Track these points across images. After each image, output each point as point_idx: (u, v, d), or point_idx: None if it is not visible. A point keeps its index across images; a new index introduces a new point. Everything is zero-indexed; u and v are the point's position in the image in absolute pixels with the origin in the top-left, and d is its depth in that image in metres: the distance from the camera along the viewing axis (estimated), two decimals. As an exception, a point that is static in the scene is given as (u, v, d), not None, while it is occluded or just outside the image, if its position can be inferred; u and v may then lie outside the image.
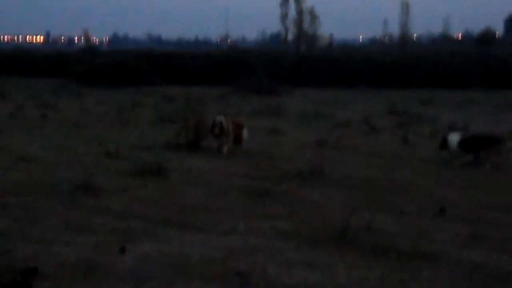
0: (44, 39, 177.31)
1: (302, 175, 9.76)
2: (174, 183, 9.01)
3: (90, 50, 57.82)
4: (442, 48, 62.06)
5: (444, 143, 12.44)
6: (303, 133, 16.68)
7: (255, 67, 39.96)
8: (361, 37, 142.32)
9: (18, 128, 15.11)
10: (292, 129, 17.59)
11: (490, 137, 12.63)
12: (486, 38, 59.95)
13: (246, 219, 6.90)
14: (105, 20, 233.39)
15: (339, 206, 7.82)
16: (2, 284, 4.54)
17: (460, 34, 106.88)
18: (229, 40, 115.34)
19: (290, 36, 78.37)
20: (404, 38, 76.46)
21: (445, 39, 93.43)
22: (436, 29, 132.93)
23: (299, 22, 77.09)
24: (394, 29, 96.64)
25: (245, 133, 13.10)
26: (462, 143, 12.19)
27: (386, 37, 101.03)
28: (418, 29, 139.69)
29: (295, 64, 44.74)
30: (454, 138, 12.36)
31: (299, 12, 77.06)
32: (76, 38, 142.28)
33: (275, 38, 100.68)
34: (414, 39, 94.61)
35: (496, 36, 75.95)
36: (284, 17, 77.35)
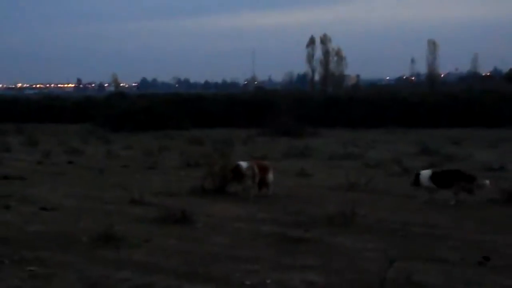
0: (75, 85, 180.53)
1: (333, 221, 9.29)
2: (198, 231, 8.62)
3: (118, 95, 58.50)
4: (470, 86, 61.38)
5: (417, 180, 12.40)
6: (332, 175, 16.21)
7: (282, 108, 39.71)
8: (387, 77, 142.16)
9: (44, 175, 14.93)
10: (321, 171, 17.14)
11: (459, 172, 12.52)
12: (515, 75, 59.17)
13: (274, 271, 6.45)
14: (134, 65, 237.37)
15: (375, 254, 7.32)
16: None
17: (489, 72, 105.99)
18: (256, 82, 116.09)
19: (316, 77, 78.55)
20: (432, 76, 76.03)
21: (474, 76, 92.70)
22: (464, 67, 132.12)
23: (325, 63, 77.33)
24: (421, 68, 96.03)
25: (270, 176, 12.61)
26: (433, 178, 12.20)
27: (413, 76, 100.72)
28: (445, 67, 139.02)
29: (322, 105, 44.48)
30: (425, 174, 12.37)
31: (326, 53, 77.37)
32: (106, 84, 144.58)
33: (302, 79, 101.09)
34: (442, 77, 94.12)
35: (526, 73, 75.01)
36: (310, 58, 77.71)
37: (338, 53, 79.51)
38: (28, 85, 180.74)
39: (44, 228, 8.32)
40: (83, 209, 10.05)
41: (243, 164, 12.34)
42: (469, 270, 6.79)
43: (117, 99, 52.11)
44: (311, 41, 77.82)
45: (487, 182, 12.17)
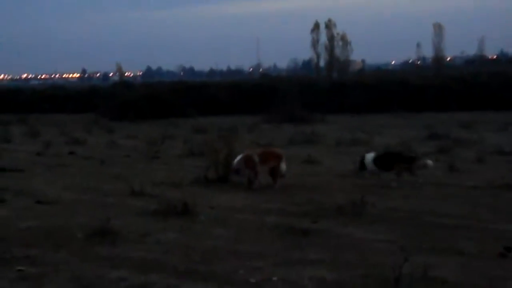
0: (80, 75, 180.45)
1: (342, 210, 8.84)
2: (201, 223, 8.18)
3: (122, 84, 58.03)
4: (477, 69, 60.64)
5: (362, 163, 12.44)
6: (340, 161, 15.75)
7: (287, 95, 39.21)
8: (393, 61, 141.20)
9: (43, 167, 14.50)
10: (328, 157, 16.68)
11: (399, 154, 12.72)
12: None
13: (280, 267, 6.02)
14: (138, 54, 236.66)
15: (387, 246, 6.89)
16: None
17: (495, 55, 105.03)
18: (260, 69, 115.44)
19: (322, 63, 77.80)
20: (438, 60, 75.23)
21: (480, 60, 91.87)
22: (470, 50, 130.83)
23: (330, 48, 76.56)
24: (427, 52, 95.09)
25: (283, 166, 11.86)
26: (375, 161, 12.23)
27: (419, 60, 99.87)
28: (452, 51, 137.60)
29: (328, 91, 43.94)
30: (369, 157, 12.40)
31: (331, 38, 76.57)
32: (111, 73, 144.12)
33: (307, 65, 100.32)
34: (448, 60, 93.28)
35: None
36: (315, 43, 76.82)
37: (343, 38, 78.57)
38: (33, 76, 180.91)
39: (38, 223, 7.90)
40: (81, 202, 9.63)
41: (237, 158, 11.72)
42: (489, 263, 6.33)
43: (121, 88, 51.66)
44: (316, 27, 76.86)
45: (430, 162, 12.39)
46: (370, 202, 9.16)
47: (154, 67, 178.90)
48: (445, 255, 6.55)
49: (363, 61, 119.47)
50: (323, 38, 77.06)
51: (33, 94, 56.04)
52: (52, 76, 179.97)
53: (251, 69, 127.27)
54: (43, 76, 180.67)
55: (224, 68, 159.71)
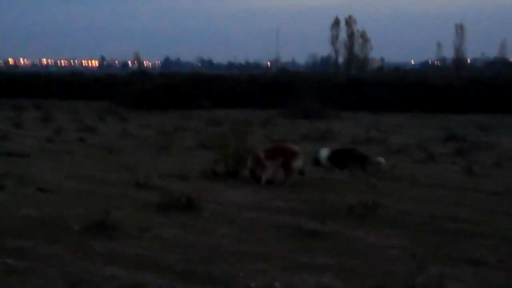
0: (99, 63, 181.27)
1: (353, 211, 8.43)
2: (205, 220, 7.80)
3: (140, 74, 57.89)
4: (498, 71, 59.74)
5: (317, 159, 12.43)
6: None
7: (304, 90, 38.80)
8: (412, 61, 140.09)
9: (50, 153, 14.22)
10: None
11: (352, 151, 12.69)
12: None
13: (285, 271, 5.64)
14: (158, 44, 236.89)
15: (399, 253, 6.47)
16: None
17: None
18: (279, 63, 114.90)
19: (340, 59, 77.23)
20: (458, 61, 74.39)
21: (501, 62, 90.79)
22: (491, 52, 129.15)
23: (350, 45, 75.97)
24: (447, 53, 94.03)
25: (298, 161, 11.40)
26: (330, 157, 12.28)
27: (439, 61, 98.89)
28: (472, 52, 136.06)
29: (345, 87, 43.44)
30: (323, 153, 12.41)
31: (350, 35, 76.01)
32: (130, 62, 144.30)
33: (325, 61, 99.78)
34: (468, 62, 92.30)
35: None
36: (334, 40, 76.43)
37: (362, 35, 78.14)
38: (52, 61, 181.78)
39: (35, 212, 7.57)
40: (83, 191, 9.29)
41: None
42: (509, 274, 5.91)
43: (138, 77, 51.51)
44: (336, 23, 76.46)
45: (382, 160, 12.45)
46: (382, 204, 8.76)
47: (173, 58, 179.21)
48: (462, 265, 6.12)
49: (382, 59, 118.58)
50: (343, 34, 76.60)
51: (50, 80, 56.11)
52: (71, 62, 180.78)
53: (269, 63, 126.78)
54: (62, 62, 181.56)
55: (243, 61, 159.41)
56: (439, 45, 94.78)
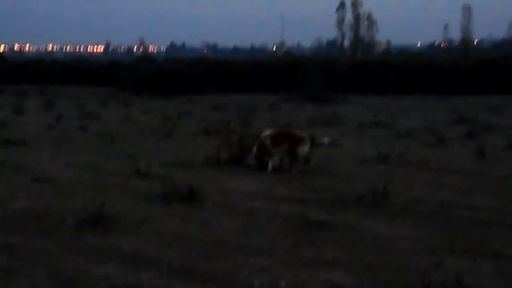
0: (104, 49, 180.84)
1: (363, 200, 8.04)
2: (207, 211, 7.43)
3: (145, 59, 57.41)
4: (506, 52, 58.99)
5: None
6: (361, 145, 14.93)
7: (310, 74, 38.30)
8: (419, 42, 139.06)
9: (49, 141, 13.86)
10: (349, 140, 15.84)
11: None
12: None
13: (290, 268, 5.27)
14: (163, 29, 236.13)
15: (412, 245, 6.10)
16: None
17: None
18: (284, 47, 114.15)
19: (346, 42, 76.45)
20: (466, 42, 73.58)
21: (508, 43, 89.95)
22: (499, 33, 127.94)
23: (356, 27, 75.17)
24: (454, 34, 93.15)
25: (304, 148, 10.92)
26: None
27: (446, 42, 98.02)
28: (479, 34, 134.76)
29: (352, 71, 42.87)
30: (264, 134, 11.50)
31: (356, 17, 75.16)
32: (135, 47, 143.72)
33: (331, 44, 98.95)
34: (475, 43, 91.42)
35: None
36: (340, 22, 75.54)
37: (369, 17, 77.18)
38: (57, 47, 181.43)
39: (29, 204, 7.23)
40: (81, 181, 8.94)
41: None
42: (531, 269, 5.52)
43: (142, 62, 51.04)
44: (341, 5, 75.56)
45: (326, 139, 11.94)
46: (393, 192, 8.37)
47: (178, 43, 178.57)
48: (480, 258, 5.73)
49: (388, 42, 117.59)
50: (349, 17, 75.74)
51: (54, 66, 55.70)
52: (77, 48, 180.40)
53: (274, 47, 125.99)
54: (68, 48, 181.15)
55: (248, 45, 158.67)
56: (446, 26, 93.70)
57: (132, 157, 11.34)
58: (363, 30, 76.89)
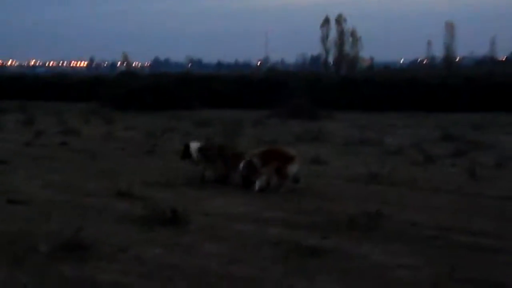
0: (87, 64, 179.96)
1: (356, 223, 7.65)
2: (191, 235, 6.99)
3: (128, 74, 56.94)
4: (488, 69, 59.30)
5: (187, 151, 11.56)
6: (349, 162, 14.60)
7: (294, 90, 38.10)
8: (402, 59, 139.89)
9: (28, 159, 13.34)
10: (336, 158, 15.49)
11: (223, 146, 11.92)
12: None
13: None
14: (147, 45, 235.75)
15: (410, 274, 5.71)
16: None
17: (505, 56, 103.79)
18: (268, 63, 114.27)
19: (330, 58, 76.64)
20: (449, 59, 74.10)
21: (490, 61, 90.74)
22: (481, 50, 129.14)
23: (340, 43, 75.37)
24: (437, 51, 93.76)
25: (294, 167, 10.55)
26: (200, 151, 11.39)
27: (428, 59, 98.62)
28: (461, 50, 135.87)
29: (336, 87, 42.71)
30: (194, 146, 11.56)
31: (341, 33, 75.39)
32: (118, 63, 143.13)
33: (315, 60, 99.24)
34: (458, 60, 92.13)
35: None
36: (324, 38, 75.77)
37: (353, 34, 77.48)
38: (40, 62, 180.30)
39: (2, 228, 6.75)
40: (58, 203, 8.47)
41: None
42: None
43: (125, 77, 50.57)
44: (326, 21, 75.79)
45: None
46: (386, 214, 8.00)
47: (162, 58, 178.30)
48: (483, 289, 5.35)
49: (371, 58, 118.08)
50: (333, 33, 75.97)
51: (35, 81, 55.03)
52: (60, 63, 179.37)
53: (259, 63, 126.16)
54: (51, 63, 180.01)
55: (232, 61, 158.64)
56: (429, 43, 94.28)
57: (113, 176, 10.91)
58: (347, 46, 77.18)
